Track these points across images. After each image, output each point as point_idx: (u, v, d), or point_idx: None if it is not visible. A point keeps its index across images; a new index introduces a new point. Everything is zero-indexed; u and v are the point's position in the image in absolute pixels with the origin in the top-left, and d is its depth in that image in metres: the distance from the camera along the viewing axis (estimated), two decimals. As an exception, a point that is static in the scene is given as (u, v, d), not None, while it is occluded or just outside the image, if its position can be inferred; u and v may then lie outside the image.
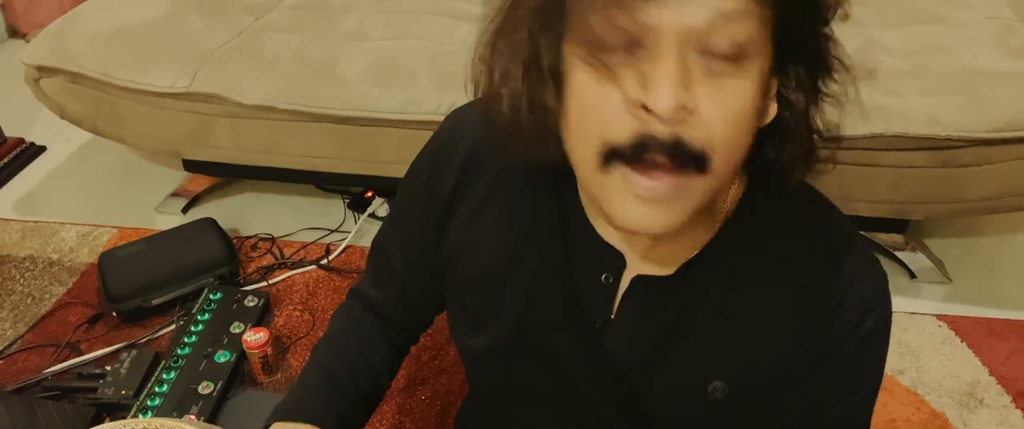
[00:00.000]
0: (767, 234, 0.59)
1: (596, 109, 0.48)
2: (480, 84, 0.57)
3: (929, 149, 1.30)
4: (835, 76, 0.54)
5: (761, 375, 0.61)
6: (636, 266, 0.60)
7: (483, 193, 0.66)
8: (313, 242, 1.60)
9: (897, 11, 1.59)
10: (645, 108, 0.46)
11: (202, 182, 1.69)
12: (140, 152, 1.86)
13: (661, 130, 0.46)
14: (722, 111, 0.47)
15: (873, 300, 0.60)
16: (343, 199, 1.70)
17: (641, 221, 0.50)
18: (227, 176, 1.71)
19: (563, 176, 0.57)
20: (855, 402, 0.64)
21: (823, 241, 0.60)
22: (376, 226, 1.60)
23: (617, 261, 0.60)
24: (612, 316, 0.62)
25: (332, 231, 1.63)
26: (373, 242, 0.80)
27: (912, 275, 1.52)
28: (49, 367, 1.29)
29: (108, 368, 1.27)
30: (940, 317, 1.43)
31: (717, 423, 0.63)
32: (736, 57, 0.46)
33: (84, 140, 1.93)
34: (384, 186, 1.64)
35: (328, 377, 0.77)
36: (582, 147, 0.51)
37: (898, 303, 1.44)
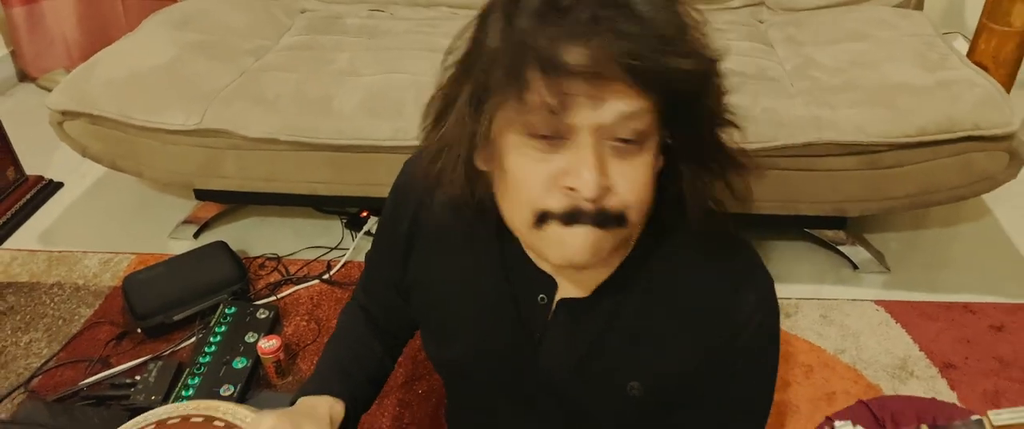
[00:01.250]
0: (668, 259, 0.72)
1: (530, 183, 0.62)
2: (428, 142, 0.68)
3: (857, 154, 1.47)
4: (721, 133, 0.65)
5: (670, 376, 0.74)
6: (564, 289, 0.74)
7: (434, 232, 0.80)
8: (315, 259, 1.76)
9: (830, 31, 1.78)
10: (571, 188, 0.60)
11: (211, 209, 1.85)
12: (151, 184, 2.02)
13: (587, 206, 0.61)
14: (632, 182, 0.61)
15: (759, 308, 0.72)
16: (341, 219, 1.86)
17: (570, 256, 0.64)
18: (234, 203, 1.87)
19: (499, 217, 0.69)
20: (756, 405, 0.78)
21: (716, 264, 0.72)
22: (371, 242, 1.77)
23: (550, 284, 0.75)
24: (547, 328, 0.76)
25: (331, 249, 1.79)
26: (365, 256, 0.96)
27: (854, 266, 1.70)
28: (84, 379, 1.44)
29: (138, 378, 1.42)
30: (878, 302, 1.60)
31: (640, 415, 0.77)
32: (638, 140, 0.61)
33: (98, 175, 2.09)
34: (378, 206, 1.81)
35: (339, 365, 0.93)
36: (518, 211, 0.64)
37: (841, 292, 1.63)
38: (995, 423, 0.67)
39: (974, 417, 0.66)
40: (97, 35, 2.56)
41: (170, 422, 0.96)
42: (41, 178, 2.05)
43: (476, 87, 0.62)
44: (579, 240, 0.63)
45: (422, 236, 0.81)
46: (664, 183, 0.66)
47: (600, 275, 0.73)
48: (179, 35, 1.81)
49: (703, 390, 0.75)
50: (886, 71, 1.57)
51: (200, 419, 0.94)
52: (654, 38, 0.57)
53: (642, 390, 0.74)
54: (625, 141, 0.60)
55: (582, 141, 0.59)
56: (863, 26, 1.77)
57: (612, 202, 0.62)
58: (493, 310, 0.78)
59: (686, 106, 0.61)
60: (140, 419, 0.96)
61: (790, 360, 1.47)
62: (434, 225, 0.80)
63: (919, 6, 1.93)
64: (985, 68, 1.87)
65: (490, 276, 0.77)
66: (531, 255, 0.74)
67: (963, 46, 2.15)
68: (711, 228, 0.68)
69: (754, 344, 0.73)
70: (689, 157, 0.65)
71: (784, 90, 1.58)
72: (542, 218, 0.63)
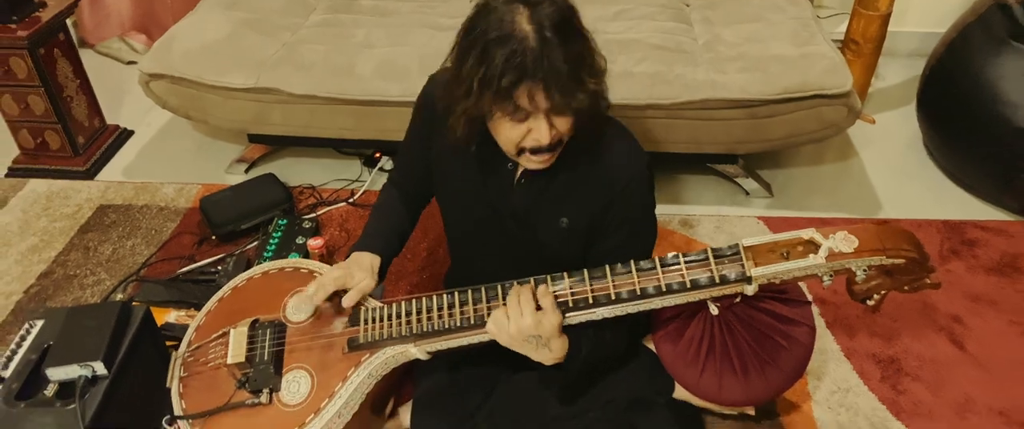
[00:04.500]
0: (583, 141, 1.26)
1: (512, 139, 1.16)
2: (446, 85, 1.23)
3: (741, 107, 2.02)
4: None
5: (584, 214, 1.30)
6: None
7: (443, 130, 1.30)
8: (340, 189, 2.30)
9: (736, 13, 2.31)
10: (539, 142, 1.14)
11: (259, 150, 2.39)
12: (205, 131, 2.55)
13: (544, 146, 1.15)
14: (566, 126, 1.15)
15: (636, 169, 1.28)
16: (359, 159, 2.41)
17: (536, 167, 1.21)
18: (278, 145, 2.40)
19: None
20: (641, 225, 1.33)
21: (613, 141, 1.28)
22: (384, 177, 2.32)
23: (512, 159, 1.31)
24: (514, 186, 1.34)
25: (353, 181, 2.33)
26: (399, 148, 1.52)
27: (747, 193, 2.26)
28: (180, 269, 1.99)
29: (219, 268, 1.97)
30: (760, 218, 2.17)
31: (568, 241, 1.34)
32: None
33: (161, 124, 2.62)
34: (387, 148, 2.35)
35: (377, 229, 1.49)
36: (504, 147, 1.20)
37: (734, 211, 2.22)
38: (746, 244, 1.23)
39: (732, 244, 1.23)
40: (144, 9, 3.06)
41: (271, 271, 1.51)
42: (118, 126, 2.57)
43: (474, 84, 1.12)
44: (540, 161, 1.20)
45: (438, 127, 1.33)
46: None
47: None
48: (231, 14, 2.32)
49: (606, 221, 1.30)
50: (768, 46, 2.12)
51: (291, 268, 1.49)
52: (571, 95, 1.11)
53: (568, 223, 1.31)
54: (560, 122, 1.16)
55: (541, 120, 1.14)
56: (761, 10, 2.31)
57: (556, 137, 1.17)
58: (479, 177, 1.35)
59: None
60: (254, 270, 1.51)
61: (690, 257, 2.03)
62: (444, 123, 1.29)
63: (807, -5, 2.46)
64: (856, 42, 2.43)
65: (478, 153, 1.32)
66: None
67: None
68: (601, 126, 1.26)
69: (636, 183, 1.28)
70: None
71: (694, 60, 2.12)
72: (520, 152, 1.20)
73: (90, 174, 2.38)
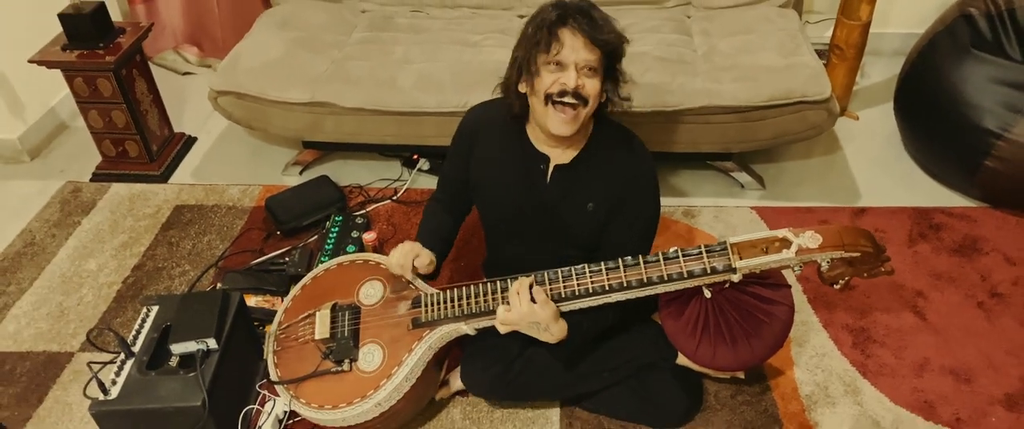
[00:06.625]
0: (604, 143, 1.62)
1: (547, 83, 1.51)
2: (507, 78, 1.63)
3: (734, 112, 2.31)
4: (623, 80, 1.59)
5: (609, 199, 1.63)
6: (556, 159, 1.64)
7: (483, 145, 1.68)
8: (384, 187, 2.62)
9: (732, 26, 2.60)
10: (565, 86, 1.49)
11: (311, 154, 2.71)
12: (261, 137, 2.87)
13: (570, 89, 1.50)
14: (591, 85, 1.51)
15: (645, 167, 1.63)
16: (400, 160, 2.72)
17: (561, 129, 1.54)
18: (328, 150, 2.73)
19: (520, 128, 1.62)
20: (648, 213, 1.67)
21: (626, 144, 1.64)
22: (422, 177, 2.64)
23: (546, 159, 1.64)
24: (547, 182, 1.65)
25: (395, 181, 2.65)
26: (441, 169, 1.84)
27: (741, 186, 2.57)
28: (253, 261, 2.32)
29: (287, 259, 2.30)
30: (752, 208, 2.48)
31: (592, 222, 1.66)
32: (592, 73, 1.51)
33: (220, 129, 2.95)
34: (425, 152, 2.67)
35: (429, 233, 1.81)
36: (538, 100, 1.54)
37: (730, 202, 2.56)
38: (732, 242, 1.54)
39: (719, 241, 1.54)
40: (196, 24, 3.37)
41: (343, 264, 1.84)
42: (183, 134, 2.90)
43: (526, 49, 1.52)
44: (564, 118, 1.53)
45: (478, 144, 1.71)
46: (601, 106, 1.59)
47: (572, 153, 1.64)
48: (284, 34, 2.63)
49: (622, 208, 1.64)
50: (759, 57, 2.41)
51: (360, 261, 1.82)
52: (599, 30, 1.48)
53: (594, 208, 1.65)
54: (590, 69, 1.51)
55: (570, 69, 1.49)
56: (754, 22, 2.59)
57: (582, 92, 1.51)
58: (517, 176, 1.68)
59: (610, 61, 1.54)
60: (330, 262, 1.84)
61: (694, 241, 2.34)
62: (484, 138, 1.70)
63: (797, 6, 2.74)
64: (840, 48, 2.72)
65: (515, 159, 1.67)
66: (536, 145, 1.65)
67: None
68: (614, 121, 1.63)
69: (645, 179, 1.64)
70: (608, 79, 1.57)
71: (694, 70, 2.41)
72: (548, 99, 1.53)
73: (164, 178, 2.71)
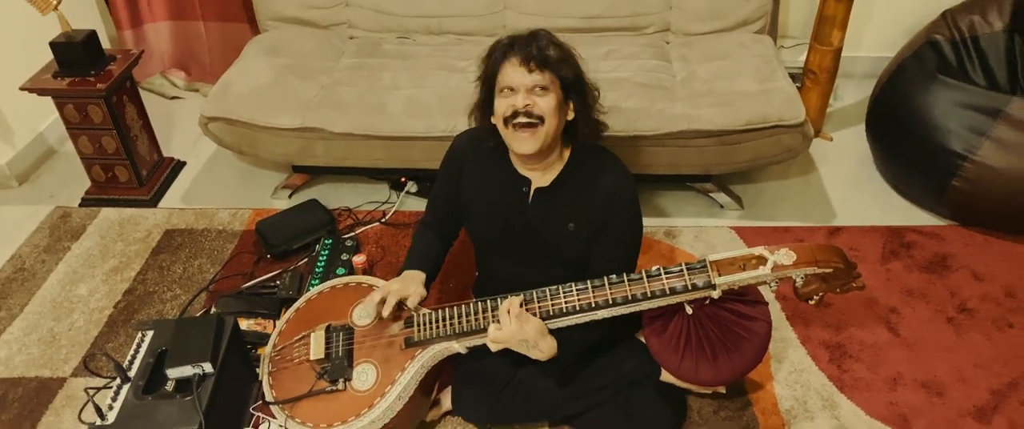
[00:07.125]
0: (583, 165, 1.70)
1: (503, 108, 1.61)
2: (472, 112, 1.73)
3: (712, 136, 2.40)
4: (591, 99, 1.68)
5: (591, 220, 1.70)
6: (537, 182, 1.71)
7: (471, 168, 1.75)
8: (373, 210, 2.67)
9: (709, 52, 2.69)
10: (515, 106, 1.58)
11: (300, 178, 2.76)
12: (250, 161, 2.91)
13: (521, 109, 1.58)
14: (544, 102, 1.59)
15: (624, 187, 1.69)
16: (388, 183, 2.78)
17: (523, 148, 1.62)
18: (318, 174, 2.77)
19: (504, 153, 1.69)
20: (630, 232, 1.73)
21: (605, 166, 1.71)
22: (411, 199, 2.69)
23: (528, 181, 1.71)
24: (529, 203, 1.72)
25: (383, 203, 2.71)
26: (430, 192, 1.91)
27: (721, 206, 2.65)
28: (244, 284, 2.36)
29: (277, 282, 2.33)
30: (731, 227, 2.55)
31: (574, 242, 1.72)
32: (544, 91, 1.59)
33: (209, 153, 2.98)
34: (413, 175, 2.72)
35: (419, 255, 1.87)
36: (499, 123, 1.63)
37: (710, 222, 2.64)
38: (711, 259, 1.61)
39: (699, 259, 1.61)
40: (184, 49, 3.42)
41: (338, 286, 1.88)
42: (173, 158, 2.93)
43: (485, 78, 1.62)
44: (524, 137, 1.61)
45: (467, 167, 1.78)
46: (569, 124, 1.68)
47: (550, 176, 1.71)
48: (273, 60, 2.68)
49: (605, 227, 1.70)
50: (734, 82, 2.50)
51: (355, 283, 1.87)
52: (544, 53, 1.58)
53: (575, 228, 1.71)
54: (541, 88, 1.59)
55: (520, 92, 1.58)
56: (730, 48, 2.69)
57: (534, 110, 1.59)
58: (502, 198, 1.75)
59: (564, 78, 1.62)
60: (323, 285, 1.88)
61: (676, 260, 2.41)
62: (473, 161, 1.78)
63: (772, 32, 2.85)
64: (813, 72, 2.82)
65: (499, 182, 1.74)
66: (519, 169, 1.73)
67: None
68: (592, 143, 1.71)
69: (624, 199, 1.70)
70: (574, 93, 1.66)
71: (672, 96, 2.49)
72: (506, 122, 1.61)
73: (154, 202, 2.74)
